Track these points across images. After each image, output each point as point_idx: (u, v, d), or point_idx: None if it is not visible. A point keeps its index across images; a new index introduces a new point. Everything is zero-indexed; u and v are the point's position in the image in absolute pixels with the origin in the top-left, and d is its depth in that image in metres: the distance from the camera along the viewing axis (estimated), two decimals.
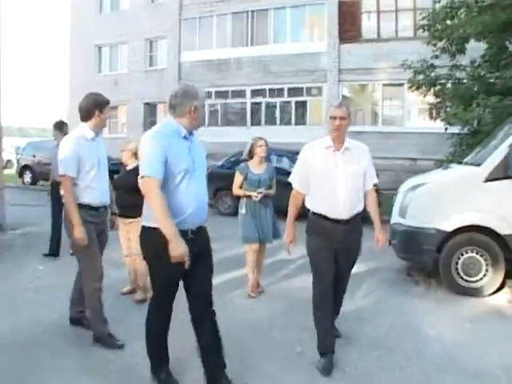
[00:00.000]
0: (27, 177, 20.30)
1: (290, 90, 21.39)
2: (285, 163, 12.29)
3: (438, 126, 14.29)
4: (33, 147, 20.58)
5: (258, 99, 22.05)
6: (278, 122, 21.85)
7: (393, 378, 4.08)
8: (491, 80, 12.12)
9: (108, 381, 3.94)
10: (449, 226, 6.33)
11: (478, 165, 6.47)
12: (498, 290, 6.32)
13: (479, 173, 6.31)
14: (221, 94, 22.27)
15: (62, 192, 4.68)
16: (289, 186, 4.48)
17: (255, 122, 21.90)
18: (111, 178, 5.03)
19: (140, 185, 5.52)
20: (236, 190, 6.17)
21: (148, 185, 3.38)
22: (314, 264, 4.35)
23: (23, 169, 20.55)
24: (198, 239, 3.56)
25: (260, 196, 6.00)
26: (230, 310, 5.34)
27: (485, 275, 6.28)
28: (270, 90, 21.81)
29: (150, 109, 25.11)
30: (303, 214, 4.49)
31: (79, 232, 4.40)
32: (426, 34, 13.02)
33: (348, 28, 20.06)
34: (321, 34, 21.02)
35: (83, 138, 4.58)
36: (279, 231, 6.11)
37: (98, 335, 4.57)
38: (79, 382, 3.89)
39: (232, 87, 22.23)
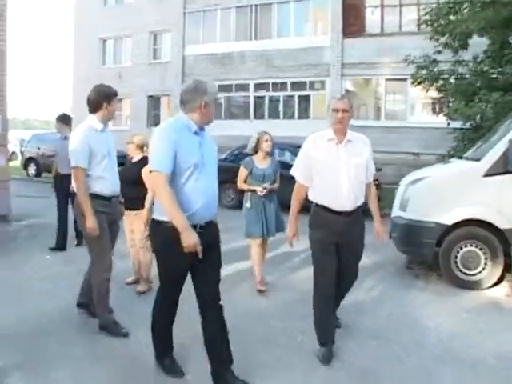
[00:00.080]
0: (32, 169, 20.39)
1: (293, 84, 21.43)
2: (287, 157, 12.34)
3: (441, 120, 14.35)
4: (37, 139, 20.67)
5: (261, 93, 22.10)
6: (281, 115, 21.89)
7: (391, 367, 4.16)
8: (493, 75, 12.16)
9: (113, 368, 4.03)
10: (449, 220, 6.40)
11: (478, 160, 6.53)
12: (497, 283, 6.39)
13: (479, 167, 6.37)
14: (224, 88, 22.30)
15: (73, 183, 4.73)
16: (291, 179, 4.50)
17: (258, 115, 21.95)
18: None
19: (144, 177, 5.64)
20: (241, 185, 6.19)
21: (156, 179, 3.43)
22: (316, 257, 4.38)
23: (28, 161, 20.65)
24: (206, 234, 3.57)
25: (265, 191, 6.02)
26: (235, 302, 5.40)
27: (484, 268, 6.35)
28: (274, 83, 21.85)
29: (154, 102, 25.16)
30: (306, 207, 4.52)
31: (91, 222, 4.46)
32: (430, 29, 13.03)
33: (352, 22, 20.07)
34: (324, 29, 21.02)
35: (93, 130, 4.63)
36: (283, 224, 6.10)
37: (103, 323, 4.66)
38: (86, 369, 3.98)
39: (235, 81, 22.27)
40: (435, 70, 13.17)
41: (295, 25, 21.65)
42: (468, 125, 12.18)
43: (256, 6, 22.21)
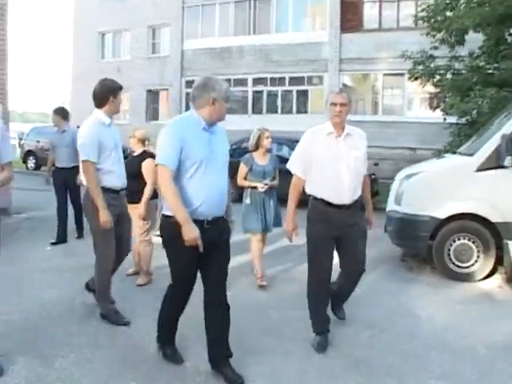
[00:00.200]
0: (31, 162, 20.47)
1: (291, 78, 21.50)
2: (285, 151, 12.41)
3: (438, 115, 14.46)
4: (36, 133, 20.73)
5: (259, 88, 22.16)
6: (279, 110, 21.97)
7: (384, 355, 4.27)
8: (489, 71, 12.25)
9: (115, 356, 4.14)
10: (442, 214, 6.53)
11: (471, 155, 6.66)
12: (490, 275, 6.52)
13: (472, 162, 6.49)
14: None
15: (81, 177, 4.79)
16: (289, 173, 4.51)
17: (257, 110, 22.01)
18: None
19: (144, 171, 5.74)
20: (241, 181, 6.18)
21: (161, 173, 3.49)
22: (313, 251, 4.42)
23: (27, 154, 20.72)
24: (214, 229, 3.61)
25: (266, 187, 6.04)
26: (235, 293, 5.37)
27: (476, 261, 6.49)
28: (272, 78, 21.91)
29: (153, 96, 25.22)
30: (303, 201, 4.55)
31: (105, 215, 4.52)
32: (427, 24, 13.10)
33: (350, 18, 20.13)
34: (322, 24, 21.07)
35: (100, 124, 4.69)
36: (281, 220, 6.14)
37: (105, 313, 4.78)
38: (88, 357, 4.08)
39: (234, 75, 22.30)
40: (432, 65, 13.27)
41: (293, 20, 21.69)
42: (464, 120, 12.26)
43: (255, 0, 22.24)
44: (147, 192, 5.75)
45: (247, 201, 6.15)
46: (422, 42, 13.67)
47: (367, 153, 4.49)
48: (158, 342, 4.07)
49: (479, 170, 6.39)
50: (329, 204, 4.30)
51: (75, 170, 8.09)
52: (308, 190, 4.47)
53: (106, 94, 4.72)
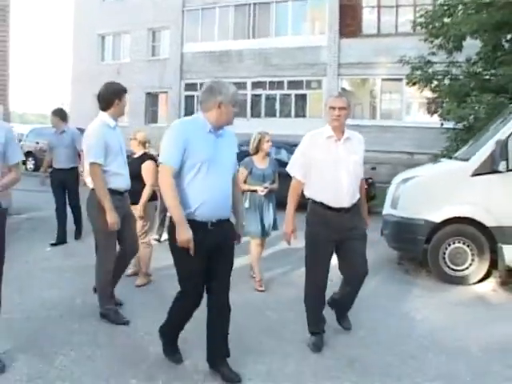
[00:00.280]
0: (30, 163, 20.47)
1: (290, 82, 21.56)
2: (283, 155, 12.46)
3: (435, 120, 14.51)
4: (36, 134, 20.74)
5: (258, 91, 22.22)
6: (277, 114, 22.02)
7: (379, 355, 4.34)
8: (486, 77, 12.36)
9: (115, 354, 4.21)
10: (437, 218, 6.62)
11: (467, 160, 6.75)
12: (484, 278, 6.60)
13: (467, 167, 6.58)
14: None
15: (85, 178, 4.86)
16: (288, 177, 4.54)
17: (255, 113, 22.06)
18: None
19: (143, 173, 5.81)
20: (241, 185, 6.09)
21: (163, 171, 3.55)
22: (311, 254, 4.46)
23: (26, 155, 20.69)
24: (218, 232, 3.63)
25: (266, 191, 6.07)
26: (234, 295, 5.48)
27: (471, 264, 6.58)
28: (271, 82, 21.97)
29: (152, 98, 25.29)
30: (302, 204, 4.55)
31: (112, 217, 4.58)
32: (424, 30, 13.21)
33: (349, 22, 20.20)
34: (322, 28, 21.17)
35: (106, 126, 4.74)
36: (277, 223, 6.20)
37: (104, 312, 4.84)
38: (88, 356, 4.15)
39: (233, 79, 22.31)
40: (430, 70, 13.37)
41: (293, 24, 21.78)
42: (461, 125, 12.35)
43: (254, 4, 22.33)
44: (145, 193, 5.81)
45: (246, 204, 6.13)
46: (420, 47, 13.75)
47: (365, 157, 4.53)
48: (161, 338, 4.07)
49: (474, 174, 6.48)
50: (328, 207, 4.33)
51: (74, 171, 8.17)
52: (307, 194, 4.50)
53: (112, 97, 4.78)
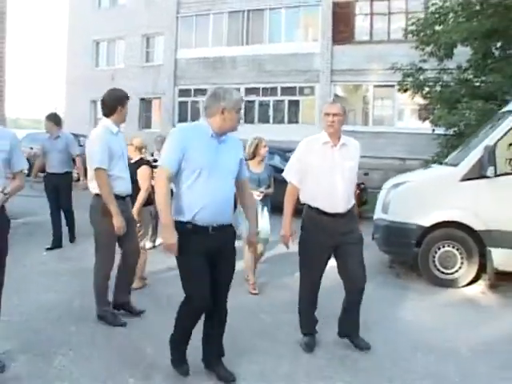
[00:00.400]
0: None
1: (283, 89, 21.70)
2: (276, 161, 12.51)
3: (427, 126, 14.65)
4: (30, 139, 20.63)
5: (251, 97, 22.30)
6: (271, 120, 22.15)
7: (369, 355, 4.44)
8: (476, 84, 12.53)
9: (112, 355, 4.29)
10: (427, 222, 6.74)
11: (456, 165, 6.89)
12: (474, 281, 6.73)
13: (456, 172, 6.72)
14: None
15: (88, 184, 4.92)
16: (282, 182, 4.60)
17: (249, 119, 22.13)
18: None
19: (139, 178, 5.89)
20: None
21: (159, 173, 3.63)
22: (305, 258, 4.51)
23: None
24: (219, 236, 3.67)
25: (262, 195, 6.11)
26: (229, 297, 5.61)
27: (460, 267, 6.70)
28: (264, 88, 22.09)
29: (146, 104, 25.34)
30: (297, 209, 4.58)
31: (119, 221, 4.66)
32: (416, 38, 13.35)
33: (341, 29, 20.37)
34: (315, 35, 21.34)
35: (109, 132, 4.82)
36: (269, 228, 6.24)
37: (102, 314, 4.92)
38: (86, 356, 4.24)
39: (227, 85, 22.25)
40: (421, 77, 13.52)
41: (286, 31, 21.94)
42: (451, 131, 12.51)
43: (248, 11, 22.47)
44: (140, 198, 5.85)
45: (241, 208, 6.19)
46: (411, 54, 13.88)
47: (358, 163, 4.58)
48: (170, 347, 3.95)
49: (463, 179, 6.62)
50: (323, 213, 4.37)
51: (67, 175, 8.22)
52: (302, 199, 4.54)
53: (115, 104, 4.86)
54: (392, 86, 17.87)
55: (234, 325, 4.31)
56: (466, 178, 6.60)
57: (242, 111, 4.00)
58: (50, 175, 8.24)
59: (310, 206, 4.47)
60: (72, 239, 8.43)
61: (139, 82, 24.36)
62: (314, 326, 4.68)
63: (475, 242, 6.62)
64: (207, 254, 3.64)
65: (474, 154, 6.65)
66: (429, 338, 4.90)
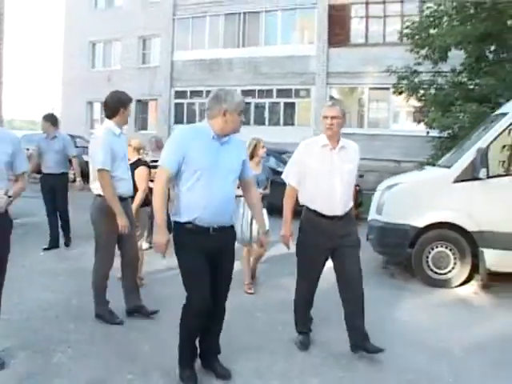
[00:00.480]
0: None
1: (278, 91, 21.78)
2: (272, 162, 12.55)
3: (422, 129, 14.68)
4: (27, 140, 20.54)
5: (247, 99, 22.34)
6: (266, 122, 22.20)
7: (364, 354, 4.44)
8: (470, 87, 12.62)
9: (110, 352, 4.36)
10: (421, 223, 6.83)
11: (449, 167, 6.98)
12: (467, 281, 6.81)
13: (449, 174, 6.81)
14: None
15: (92, 185, 4.97)
16: (278, 184, 4.64)
17: (245, 121, 22.01)
18: None
19: (136, 178, 5.94)
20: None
21: (158, 173, 3.68)
22: (303, 259, 4.54)
23: None
24: (220, 237, 3.70)
25: (260, 196, 6.18)
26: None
27: (453, 268, 6.79)
28: (260, 90, 22.15)
29: (142, 106, 25.32)
30: (295, 211, 4.60)
31: (123, 220, 4.72)
32: (411, 41, 13.43)
33: (337, 32, 20.43)
34: (311, 38, 21.40)
35: (112, 134, 4.86)
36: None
37: (100, 313, 4.99)
38: (84, 353, 4.31)
39: (223, 87, 22.46)
40: (416, 80, 13.59)
41: (282, 33, 22.00)
42: (445, 134, 12.61)
43: (244, 13, 22.54)
44: (137, 199, 5.90)
45: (241, 210, 6.13)
46: (406, 57, 13.98)
47: None
48: (179, 365, 3.91)
49: (456, 181, 6.72)
50: (321, 215, 4.38)
51: (63, 176, 8.22)
52: (301, 200, 4.55)
53: (117, 106, 4.89)
54: (387, 88, 17.95)
55: (230, 323, 4.36)
56: (459, 179, 6.69)
57: None
58: (46, 176, 8.22)
59: (308, 208, 4.49)
60: (67, 243, 8.37)
61: (135, 83, 24.31)
62: (308, 324, 4.76)
63: (468, 242, 6.70)
64: (208, 255, 3.68)
65: (467, 156, 6.74)
66: (423, 338, 4.96)
